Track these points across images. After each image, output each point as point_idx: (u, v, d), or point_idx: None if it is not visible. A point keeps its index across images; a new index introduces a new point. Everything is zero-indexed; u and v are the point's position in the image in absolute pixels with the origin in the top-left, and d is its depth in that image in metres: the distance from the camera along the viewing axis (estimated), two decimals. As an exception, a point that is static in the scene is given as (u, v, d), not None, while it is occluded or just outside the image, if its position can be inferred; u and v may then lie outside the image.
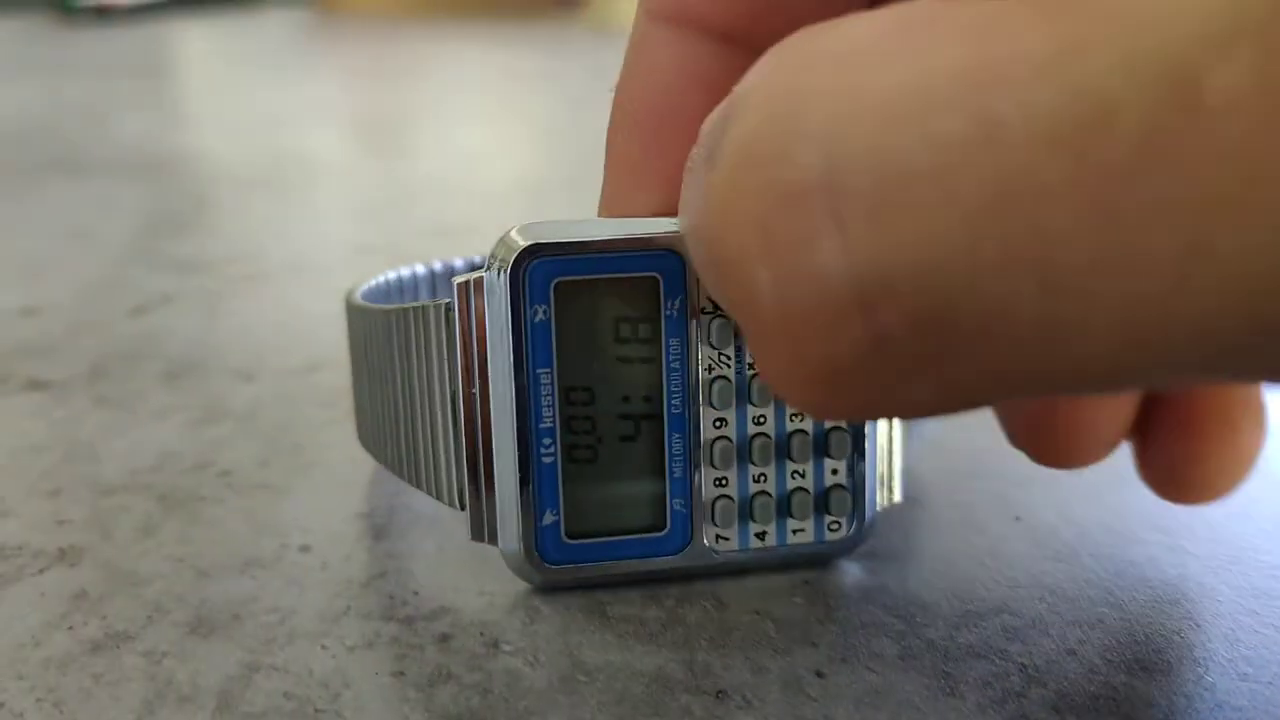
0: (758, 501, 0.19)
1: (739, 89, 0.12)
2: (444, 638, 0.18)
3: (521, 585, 0.19)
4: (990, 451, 0.24)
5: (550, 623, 0.18)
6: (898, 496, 0.19)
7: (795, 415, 0.18)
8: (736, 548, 0.19)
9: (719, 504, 0.18)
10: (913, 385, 0.11)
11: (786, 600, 0.19)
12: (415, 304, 0.19)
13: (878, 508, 0.19)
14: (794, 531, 0.19)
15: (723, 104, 0.12)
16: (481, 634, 0.18)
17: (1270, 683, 0.16)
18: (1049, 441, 0.17)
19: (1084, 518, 0.21)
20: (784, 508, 0.19)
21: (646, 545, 0.19)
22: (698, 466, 0.18)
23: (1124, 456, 0.24)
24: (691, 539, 0.19)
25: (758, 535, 0.19)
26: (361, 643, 0.18)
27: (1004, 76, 0.09)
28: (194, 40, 1.17)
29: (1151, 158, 0.09)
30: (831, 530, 0.19)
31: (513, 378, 0.17)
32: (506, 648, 0.18)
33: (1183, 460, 0.17)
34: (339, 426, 0.26)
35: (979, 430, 0.25)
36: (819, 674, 0.17)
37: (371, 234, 0.44)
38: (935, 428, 0.22)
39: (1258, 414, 0.17)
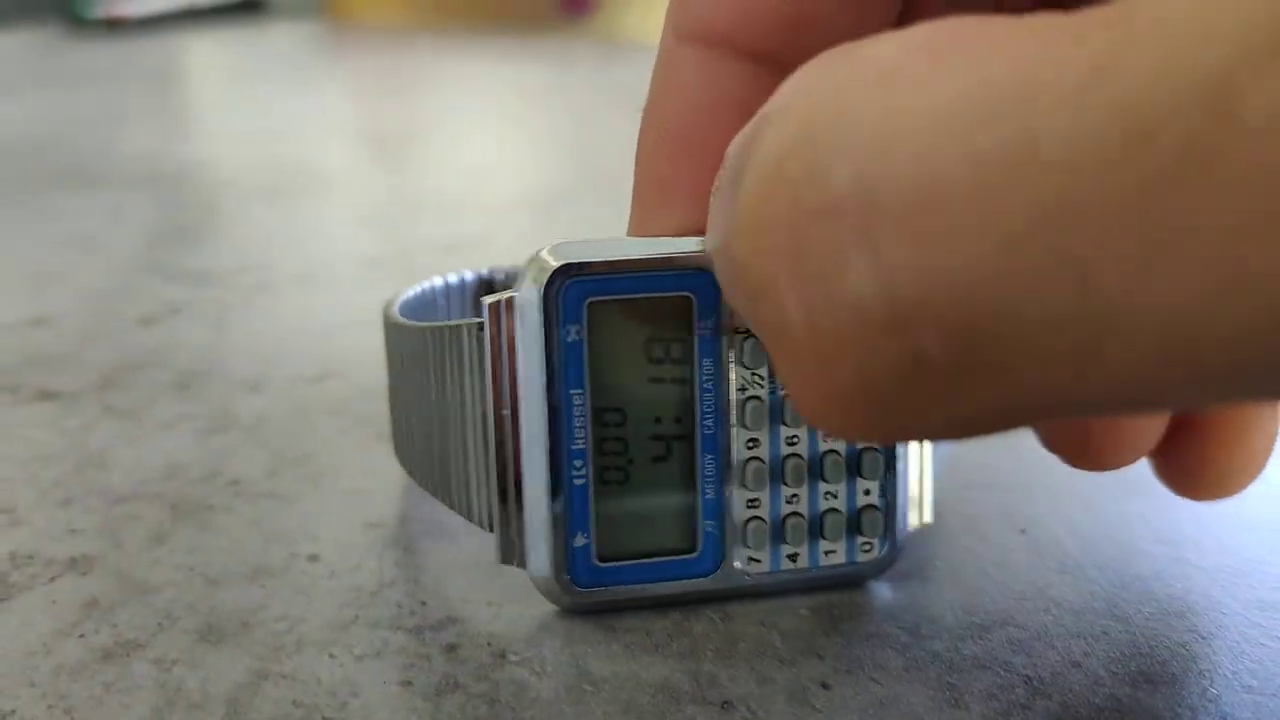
0: (790, 523, 0.18)
1: (767, 108, 0.12)
2: (451, 647, 0.18)
3: (529, 596, 0.19)
4: (996, 464, 0.24)
5: (557, 633, 0.18)
6: (928, 517, 0.19)
7: (828, 435, 0.18)
8: (768, 569, 0.19)
9: (751, 525, 0.18)
10: (946, 408, 0.11)
11: (792, 612, 0.19)
12: (449, 323, 0.18)
13: (909, 528, 0.19)
14: (826, 553, 0.19)
15: (750, 123, 0.12)
16: (489, 644, 0.18)
17: (1275, 695, 0.16)
18: (1083, 446, 0.17)
19: (1089, 530, 0.21)
20: (816, 528, 0.19)
21: (678, 567, 0.18)
22: (730, 487, 0.18)
23: (1130, 468, 0.24)
24: (723, 561, 0.18)
25: (789, 557, 0.19)
26: (369, 652, 0.18)
27: (1044, 95, 0.09)
28: (203, 52, 1.17)
29: (1191, 176, 0.08)
30: (864, 551, 0.19)
31: (545, 398, 0.17)
32: (513, 658, 0.18)
33: (1198, 460, 0.17)
34: (348, 436, 0.26)
35: (984, 443, 0.25)
36: (824, 685, 0.17)
37: (380, 245, 0.45)
38: (951, 446, 0.22)
39: (1271, 415, 0.17)
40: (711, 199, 0.13)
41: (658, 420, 0.18)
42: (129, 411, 0.27)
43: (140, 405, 0.28)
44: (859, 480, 0.19)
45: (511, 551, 0.18)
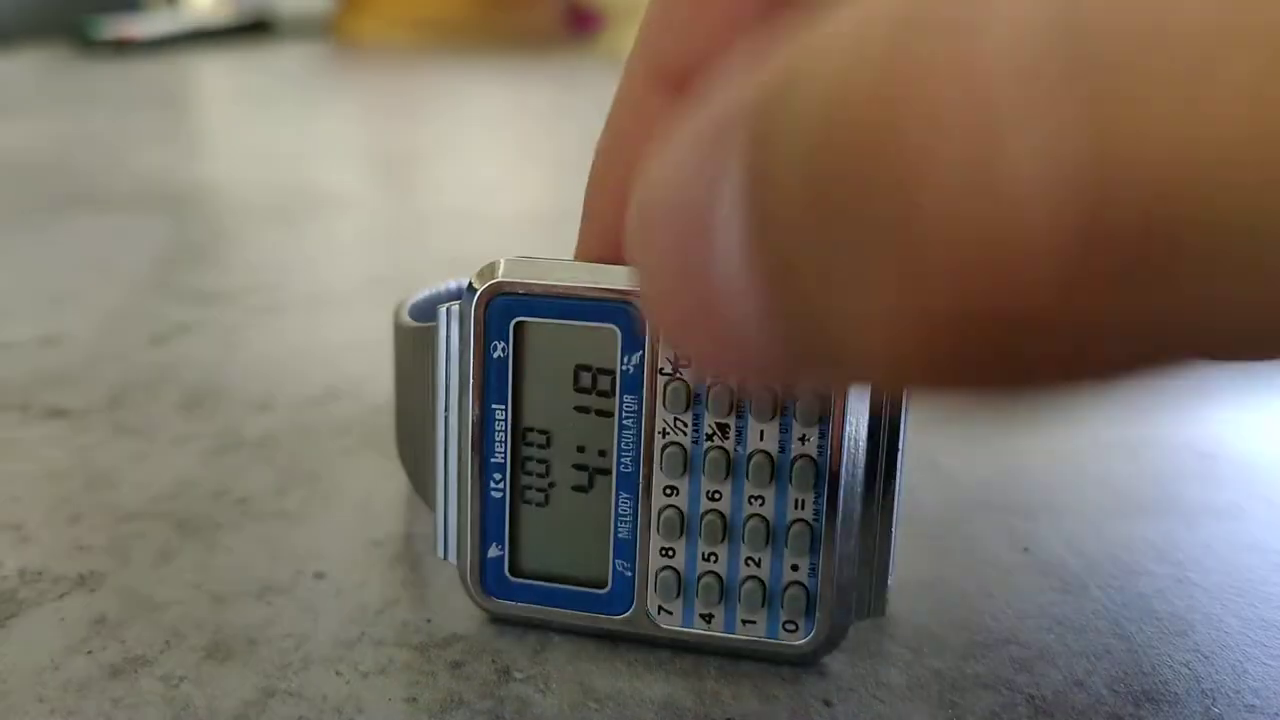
0: (704, 581, 0.17)
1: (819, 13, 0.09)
2: (456, 664, 0.18)
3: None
4: (998, 483, 0.24)
5: (561, 650, 0.18)
6: (883, 610, 0.18)
7: (754, 498, 0.17)
8: (680, 625, 0.18)
9: (662, 575, 0.18)
10: (1089, 348, 0.08)
11: (795, 630, 0.19)
12: (424, 324, 0.19)
13: (853, 619, 0.17)
14: (744, 621, 0.17)
15: (776, 50, 0.09)
16: (493, 661, 0.18)
17: (1277, 714, 0.16)
18: None
19: (1092, 549, 0.21)
20: (734, 594, 0.17)
21: (589, 600, 0.18)
22: (645, 532, 0.17)
23: (1132, 487, 0.24)
24: (634, 604, 0.18)
25: (703, 616, 0.18)
26: (375, 669, 0.18)
27: None
28: (212, 74, 1.18)
29: None
30: (787, 630, 0.17)
31: (471, 409, 0.18)
32: (518, 675, 0.18)
33: None
34: (354, 456, 0.26)
35: (986, 461, 0.25)
36: (827, 703, 0.17)
37: (387, 265, 0.45)
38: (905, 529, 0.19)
39: None
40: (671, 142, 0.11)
41: (580, 449, 0.18)
42: (138, 430, 0.28)
43: (149, 424, 0.28)
44: (785, 552, 0.17)
45: (443, 546, 0.19)
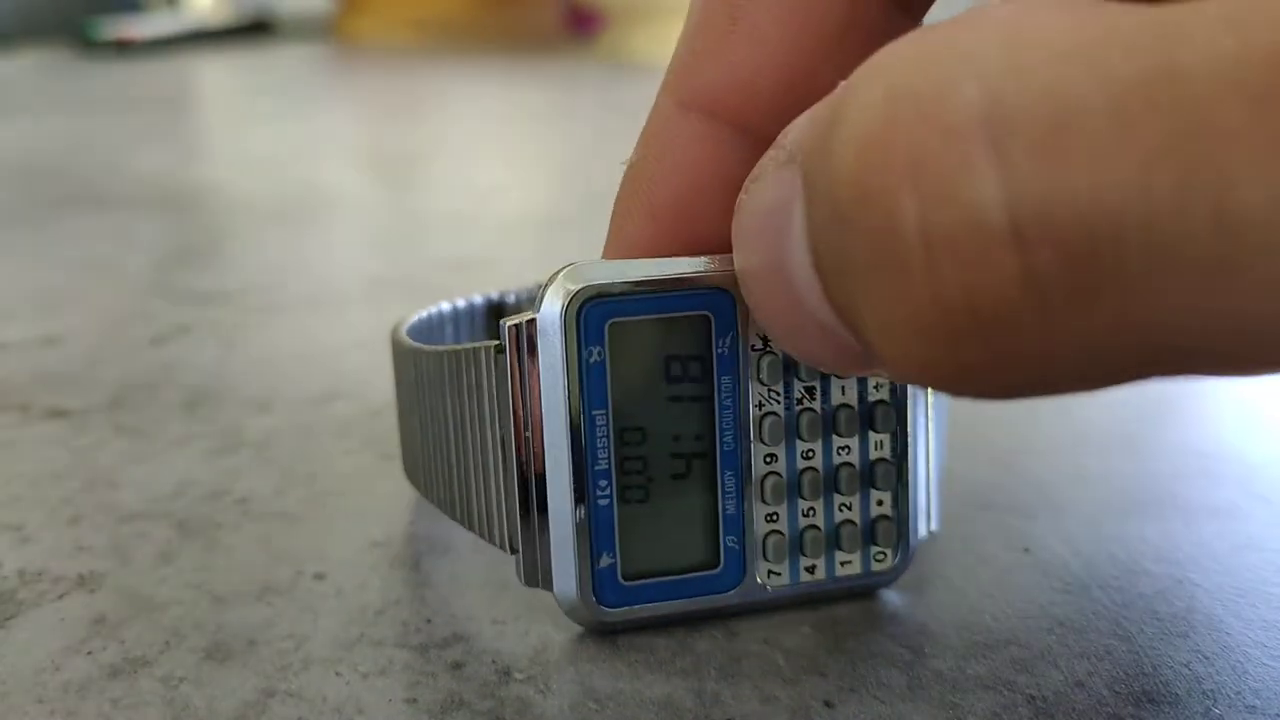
0: (808, 535, 0.19)
1: (852, 78, 0.12)
2: (456, 665, 0.18)
3: (534, 614, 0.19)
4: (998, 483, 0.24)
5: (561, 651, 0.18)
6: (935, 525, 0.20)
7: (842, 449, 0.19)
8: (787, 582, 0.19)
9: (771, 539, 0.19)
10: (1048, 338, 0.11)
11: (795, 630, 0.19)
12: (467, 345, 0.18)
13: (920, 537, 0.19)
14: (842, 564, 0.19)
15: (821, 103, 0.13)
16: (493, 662, 0.18)
17: (1278, 715, 0.16)
18: None
19: (1092, 550, 0.21)
20: (833, 540, 0.19)
21: (701, 583, 0.19)
22: (749, 503, 0.18)
23: (1132, 487, 0.24)
24: (744, 576, 0.19)
25: (808, 569, 0.19)
26: (375, 669, 0.18)
27: (1183, 35, 0.10)
28: (212, 74, 1.18)
29: None
30: (877, 561, 0.19)
31: (568, 420, 0.17)
32: (518, 675, 0.18)
33: None
34: (354, 456, 0.26)
35: (987, 462, 0.25)
36: (827, 704, 0.17)
37: (387, 266, 0.45)
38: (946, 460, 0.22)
39: None
40: (751, 184, 0.14)
41: (677, 438, 0.18)
42: (138, 430, 0.28)
43: (149, 424, 0.28)
44: (873, 491, 0.19)
45: (535, 574, 0.18)
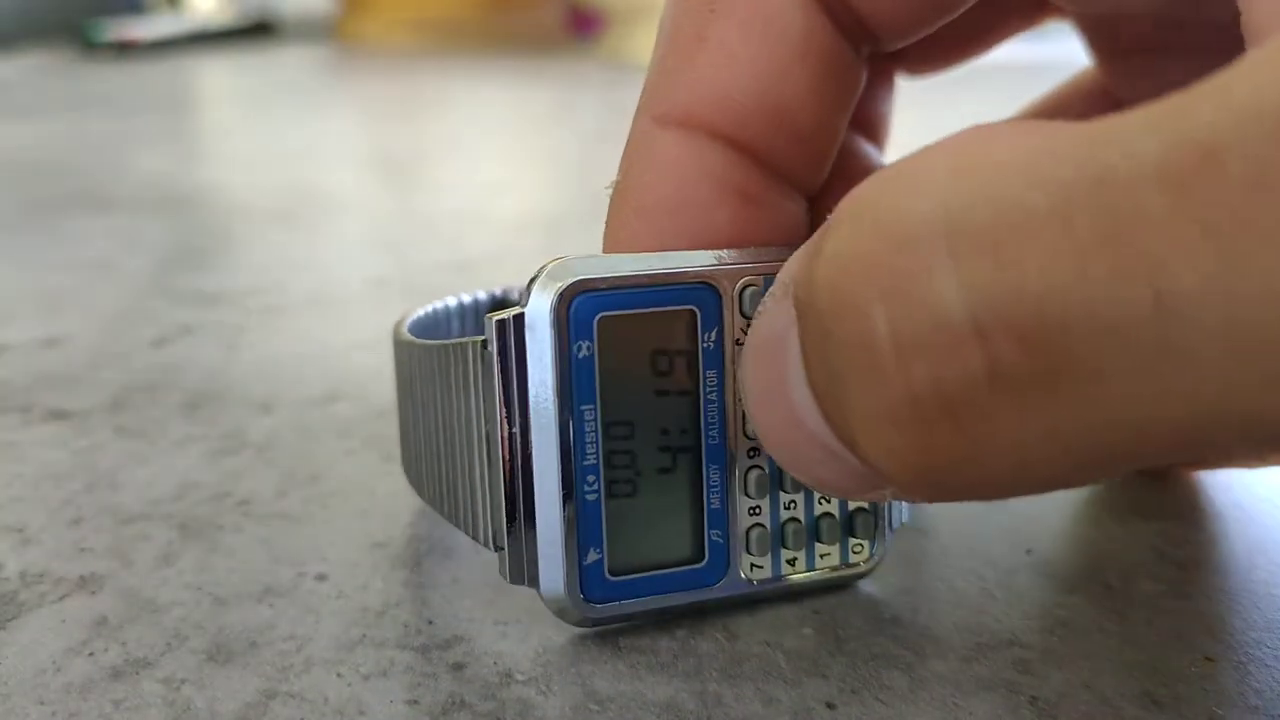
0: (790, 528, 0.19)
1: (832, 214, 0.13)
2: (458, 666, 0.18)
3: (536, 616, 0.19)
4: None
5: (563, 652, 0.18)
6: (906, 517, 0.20)
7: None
8: (770, 575, 0.19)
9: (754, 532, 0.19)
10: (1019, 427, 0.11)
11: (797, 632, 0.19)
12: (454, 340, 0.18)
13: (893, 530, 0.20)
14: (821, 556, 0.19)
15: (810, 239, 0.14)
16: (495, 663, 0.18)
17: (1281, 716, 0.16)
18: None
19: (1095, 551, 0.21)
20: (814, 533, 0.19)
21: (686, 578, 0.19)
22: (733, 496, 0.18)
23: (1135, 487, 0.24)
24: (729, 569, 0.19)
25: (789, 562, 0.19)
26: (376, 671, 0.18)
27: (1112, 139, 0.11)
28: (214, 75, 1.18)
29: (1256, 189, 0.10)
30: (855, 553, 0.19)
31: (557, 415, 0.17)
32: (520, 677, 0.18)
33: None
34: (356, 457, 0.26)
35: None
36: (829, 705, 0.17)
37: (389, 267, 0.45)
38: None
39: None
40: (761, 315, 0.15)
41: (664, 432, 0.18)
42: (140, 432, 0.28)
43: (151, 426, 0.28)
44: None
45: (521, 571, 0.18)
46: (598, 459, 0.18)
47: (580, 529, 0.18)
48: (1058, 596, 0.20)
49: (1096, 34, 0.22)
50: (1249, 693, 0.17)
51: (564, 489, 0.17)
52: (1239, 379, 0.10)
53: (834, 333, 0.13)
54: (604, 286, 0.17)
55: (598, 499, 0.18)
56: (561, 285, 0.17)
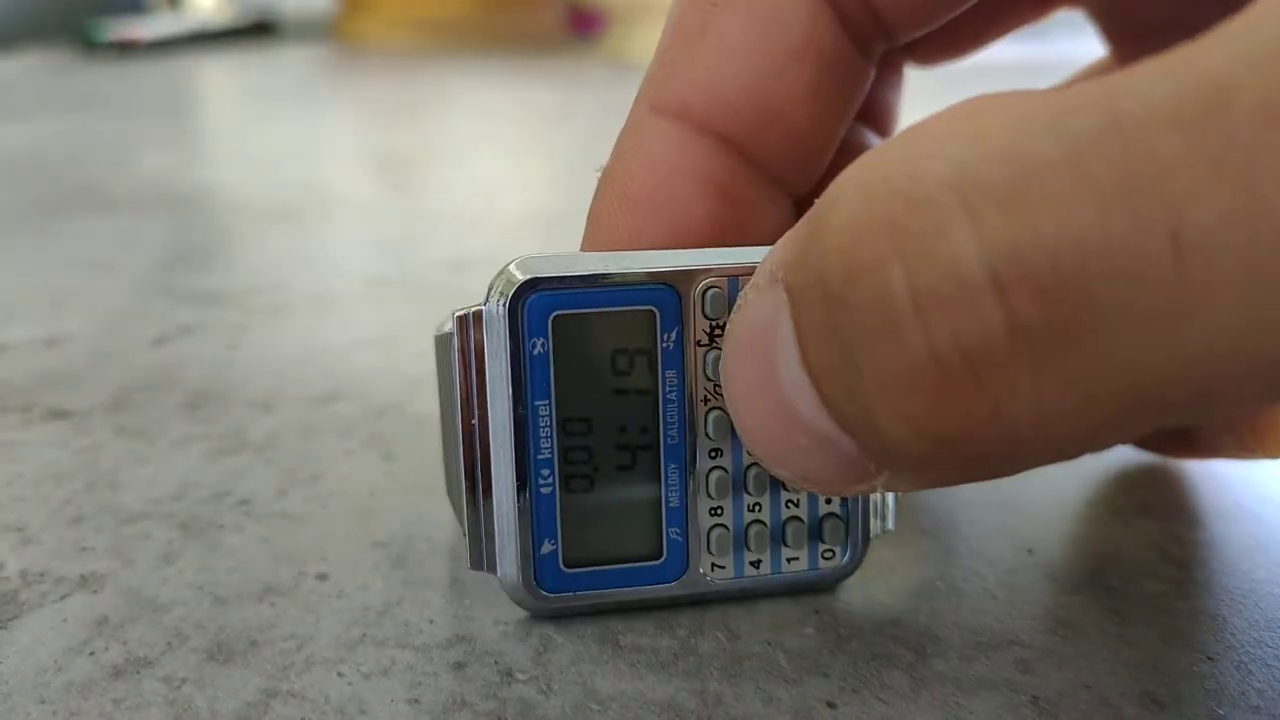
0: (753, 530, 0.19)
1: (824, 193, 0.13)
2: (458, 666, 0.18)
3: (536, 614, 0.19)
4: (1001, 483, 0.24)
5: (563, 652, 0.18)
6: (890, 524, 0.20)
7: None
8: (731, 575, 0.19)
9: (715, 533, 0.19)
10: (1042, 381, 0.11)
11: (798, 631, 0.19)
12: (445, 331, 0.19)
13: (872, 535, 0.19)
14: (789, 560, 0.19)
15: (795, 226, 0.14)
16: (496, 662, 0.18)
17: (1282, 716, 0.16)
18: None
19: (1096, 550, 0.21)
20: (779, 536, 0.19)
21: (643, 574, 0.19)
22: (694, 496, 0.19)
23: (1137, 487, 0.24)
24: (688, 567, 0.19)
25: (752, 564, 0.19)
26: (377, 670, 0.18)
27: (1123, 90, 0.11)
28: (214, 75, 1.18)
29: (1268, 126, 0.10)
30: (825, 558, 0.19)
31: (511, 410, 0.18)
32: (520, 676, 0.18)
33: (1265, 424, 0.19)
34: (357, 457, 0.26)
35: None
36: (830, 705, 0.17)
37: (390, 266, 0.45)
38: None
39: None
40: (748, 296, 0.15)
41: (623, 430, 0.18)
42: (140, 431, 0.27)
43: (151, 425, 0.28)
44: None
45: (481, 558, 0.18)
46: (553, 453, 0.18)
47: (536, 520, 0.18)
48: (1059, 596, 0.20)
49: (1110, 18, 0.22)
50: (1250, 692, 0.17)
51: (518, 480, 0.18)
52: (1259, 316, 0.10)
53: (848, 298, 0.12)
54: (559, 286, 0.17)
55: (552, 492, 0.18)
56: (518, 283, 0.17)
